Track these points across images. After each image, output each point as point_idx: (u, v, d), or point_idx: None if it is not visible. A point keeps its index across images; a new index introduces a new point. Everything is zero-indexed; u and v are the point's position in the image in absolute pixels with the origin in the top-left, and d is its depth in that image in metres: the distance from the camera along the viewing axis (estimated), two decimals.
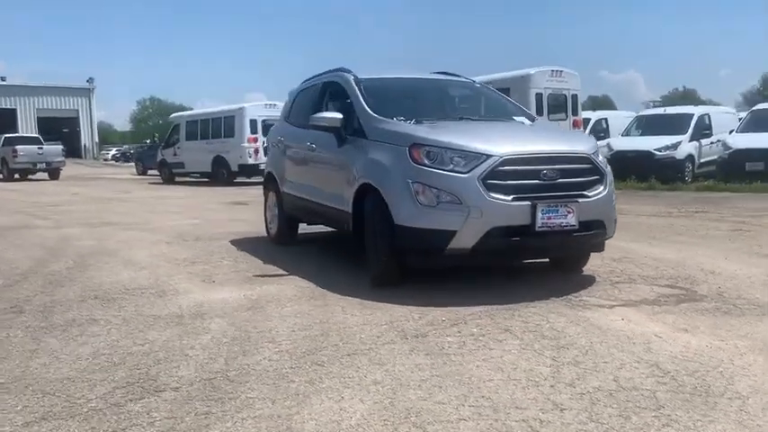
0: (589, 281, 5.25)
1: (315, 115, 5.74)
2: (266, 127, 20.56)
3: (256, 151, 20.53)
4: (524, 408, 2.82)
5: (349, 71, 6.30)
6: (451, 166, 4.60)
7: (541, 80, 15.36)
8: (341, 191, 5.60)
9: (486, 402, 2.88)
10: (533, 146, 4.84)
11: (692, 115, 16.69)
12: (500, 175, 4.55)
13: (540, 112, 14.25)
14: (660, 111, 18.86)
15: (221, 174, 21.33)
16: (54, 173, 26.26)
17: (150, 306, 4.73)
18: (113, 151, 55.82)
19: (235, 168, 20.90)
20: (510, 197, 4.54)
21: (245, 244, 7.51)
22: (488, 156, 4.57)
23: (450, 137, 4.82)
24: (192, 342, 3.84)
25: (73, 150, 41.71)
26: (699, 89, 73.68)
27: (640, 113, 19.92)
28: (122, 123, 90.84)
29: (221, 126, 21.36)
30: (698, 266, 5.71)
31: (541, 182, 4.64)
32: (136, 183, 24.29)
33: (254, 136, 20.58)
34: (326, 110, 6.35)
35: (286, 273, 5.76)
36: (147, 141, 35.53)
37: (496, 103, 6.33)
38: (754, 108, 16.52)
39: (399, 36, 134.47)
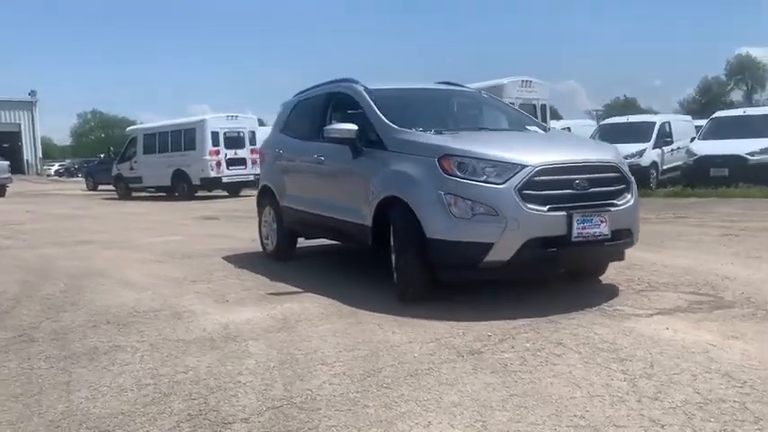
0: (612, 290, 5.23)
1: (329, 127, 5.58)
2: (228, 139, 20.25)
3: (218, 164, 20.14)
4: (624, 426, 2.74)
5: (356, 81, 6.17)
6: (485, 176, 4.52)
7: (513, 90, 15.48)
8: (357, 204, 5.45)
9: (582, 422, 2.78)
10: (564, 155, 4.80)
11: (653, 123, 17.14)
12: (535, 186, 4.49)
13: None
14: (623, 119, 19.26)
15: (182, 188, 20.80)
16: (1, 190, 25.14)
17: (172, 330, 4.48)
18: (56, 166, 54.06)
19: (196, 182, 20.42)
20: (545, 207, 4.48)
21: (241, 260, 7.26)
22: (523, 166, 4.50)
23: (479, 147, 4.74)
24: (238, 367, 3.63)
25: (15, 166, 40.05)
26: (638, 98, 76.06)
27: (603, 122, 20.35)
28: (62, 138, 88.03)
29: (181, 139, 20.85)
30: (710, 272, 5.76)
31: (574, 191, 4.60)
32: (89, 198, 23.48)
33: (216, 149, 20.18)
34: (331, 121, 6.21)
35: (300, 289, 5.56)
36: (101, 155, 34.43)
37: (508, 113, 6.30)
38: (714, 116, 17.04)
39: (347, 45, 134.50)
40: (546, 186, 4.53)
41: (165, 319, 4.79)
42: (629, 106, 66.55)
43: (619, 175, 4.88)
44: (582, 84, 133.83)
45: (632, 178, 5.02)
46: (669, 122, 17.58)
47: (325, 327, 4.39)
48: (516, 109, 6.51)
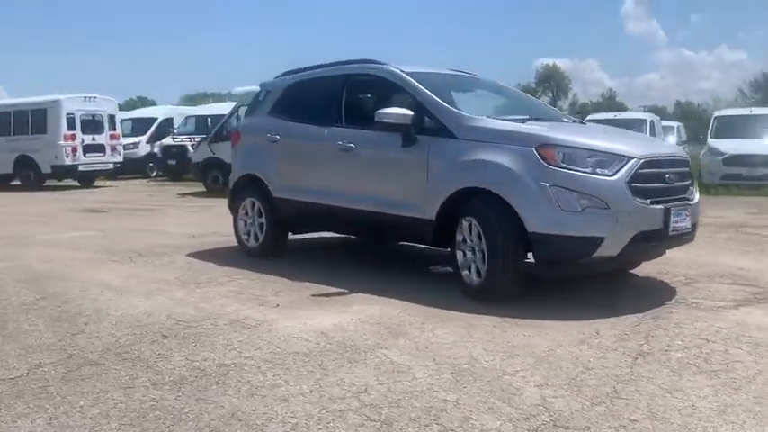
0: (659, 284, 5.27)
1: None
2: (85, 123, 18.24)
3: (74, 150, 18.03)
4: None
5: (383, 62, 5.69)
6: (590, 168, 4.32)
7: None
8: (409, 196, 5.02)
9: None
10: (655, 149, 4.75)
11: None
12: (640, 178, 4.38)
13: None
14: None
15: (26, 176, 18.36)
16: None
17: (261, 341, 3.79)
18: None
19: (46, 170, 18.07)
20: (648, 201, 4.39)
21: (218, 258, 6.44)
22: (629, 158, 4.37)
23: (576, 137, 4.55)
24: (418, 384, 3.10)
25: None
26: None
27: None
28: None
29: (28, 120, 18.32)
30: (733, 266, 5.87)
31: (666, 185, 4.57)
32: None
33: (72, 133, 18.03)
34: (345, 104, 5.71)
35: (343, 290, 5.00)
36: None
37: (538, 105, 6.13)
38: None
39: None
40: (647, 179, 4.44)
41: (230, 328, 4.06)
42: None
43: (689, 169, 4.93)
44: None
45: None
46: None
47: (442, 332, 3.94)
48: (536, 99, 6.33)
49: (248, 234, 6.57)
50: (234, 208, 6.75)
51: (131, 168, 21.33)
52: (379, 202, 5.27)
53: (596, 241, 4.26)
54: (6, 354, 3.61)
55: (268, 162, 6.31)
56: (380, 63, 5.70)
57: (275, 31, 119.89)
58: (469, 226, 4.67)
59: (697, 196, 4.94)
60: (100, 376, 3.26)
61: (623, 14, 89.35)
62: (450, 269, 5.82)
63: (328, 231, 6.45)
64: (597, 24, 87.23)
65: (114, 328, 4.10)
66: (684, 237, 4.71)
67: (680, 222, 4.54)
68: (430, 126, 4.97)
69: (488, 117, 4.92)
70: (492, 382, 3.13)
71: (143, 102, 62.73)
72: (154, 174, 22.37)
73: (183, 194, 15.67)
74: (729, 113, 16.89)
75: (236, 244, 7.19)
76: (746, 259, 6.25)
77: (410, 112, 4.97)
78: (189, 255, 6.75)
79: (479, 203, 4.56)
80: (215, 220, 9.69)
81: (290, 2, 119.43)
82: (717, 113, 16.78)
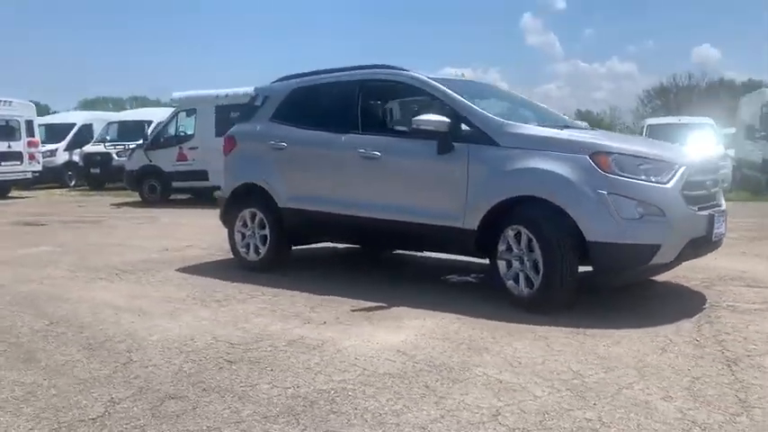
0: (680, 288, 5.37)
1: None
2: None
3: None
4: None
5: (403, 68, 5.55)
6: (645, 175, 4.34)
7: None
8: (448, 205, 4.89)
9: None
10: (693, 156, 4.82)
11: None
12: (689, 186, 4.45)
13: None
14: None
15: None
16: None
17: (337, 362, 3.55)
18: None
19: None
20: (696, 207, 4.46)
21: (216, 273, 6.10)
22: (680, 165, 4.43)
23: (624, 144, 4.57)
24: (549, 405, 2.98)
25: None
26: None
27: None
28: None
29: None
30: (734, 269, 6.01)
31: (706, 192, 4.66)
32: None
33: None
34: (363, 110, 5.53)
35: (382, 304, 4.79)
36: None
37: (551, 112, 6.11)
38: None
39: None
40: (694, 186, 4.51)
41: (293, 349, 3.79)
42: None
43: (717, 176, 5.05)
44: None
45: None
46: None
47: (520, 345, 3.82)
48: (545, 106, 6.33)
49: (247, 247, 6.22)
50: (229, 220, 6.38)
51: (48, 177, 19.95)
52: (411, 212, 5.10)
53: (654, 249, 4.27)
54: (65, 391, 3.20)
55: (272, 171, 6.00)
56: (400, 68, 5.54)
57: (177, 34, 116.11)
58: (516, 235, 4.58)
59: (724, 202, 5.06)
60: (194, 411, 2.93)
61: (523, 27, 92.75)
62: (470, 279, 5.77)
63: (344, 242, 6.22)
64: (499, 36, 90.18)
65: (164, 355, 3.72)
66: (720, 242, 4.82)
67: (719, 228, 4.64)
68: (467, 133, 4.86)
69: (526, 124, 4.85)
70: (617, 397, 3.04)
71: (39, 108, 59.16)
72: (73, 183, 21.07)
73: (118, 205, 14.83)
74: (660, 122, 17.78)
75: (222, 257, 6.87)
76: (741, 262, 6.48)
77: (447, 119, 4.84)
78: (179, 270, 6.34)
79: (532, 212, 4.48)
80: (175, 232, 9.25)
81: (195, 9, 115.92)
82: (649, 121, 17.71)
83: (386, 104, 5.58)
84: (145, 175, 14.97)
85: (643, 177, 4.33)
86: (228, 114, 14.22)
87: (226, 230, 6.41)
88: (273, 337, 4.02)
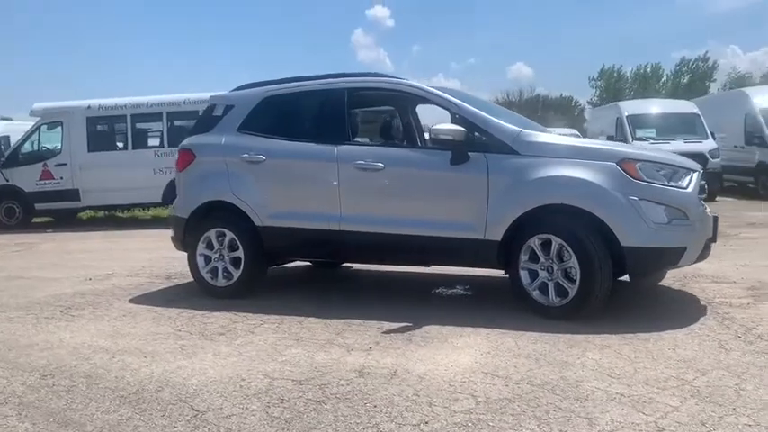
0: (662, 288, 5.65)
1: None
2: None
3: None
4: None
5: (393, 76, 5.35)
6: (666, 181, 4.50)
7: None
8: (466, 215, 4.75)
9: None
10: (692, 161, 5.06)
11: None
12: (701, 190, 4.68)
13: None
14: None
15: None
16: None
17: (432, 393, 3.27)
18: None
19: None
20: (707, 210, 4.71)
21: (181, 302, 5.51)
22: (692, 170, 4.64)
23: (644, 152, 4.72)
24: (691, 417, 2.94)
25: None
26: None
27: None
28: None
29: None
30: (694, 267, 6.27)
31: (705, 195, 4.93)
32: None
33: None
34: (354, 121, 5.32)
35: (408, 323, 4.54)
36: None
37: (514, 115, 6.11)
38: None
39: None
40: (701, 190, 4.74)
41: (371, 381, 3.45)
42: None
43: None
44: None
45: None
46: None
47: (592, 356, 3.75)
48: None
49: (213, 272, 5.64)
50: (189, 243, 5.74)
51: None
52: (422, 224, 4.89)
53: (681, 251, 4.43)
54: None
55: (247, 186, 5.49)
56: (392, 76, 5.33)
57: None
58: (543, 244, 4.55)
59: None
60: None
61: (354, 43, 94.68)
62: (461, 290, 5.67)
63: (339, 260, 5.82)
64: (331, 50, 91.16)
65: (232, 401, 3.23)
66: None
67: (716, 230, 4.92)
68: (482, 142, 4.75)
69: (541, 132, 4.86)
70: (745, 399, 3.07)
71: None
72: None
73: None
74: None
75: (169, 284, 6.27)
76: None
77: (463, 129, 4.71)
78: (134, 302, 5.65)
79: (565, 220, 4.46)
80: (76, 260, 8.32)
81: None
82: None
83: (384, 114, 5.32)
84: (1, 195, 13.24)
85: (666, 183, 4.47)
86: (106, 127, 13.05)
87: (137, 254, 5.76)
88: (334, 370, 3.64)
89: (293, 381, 3.47)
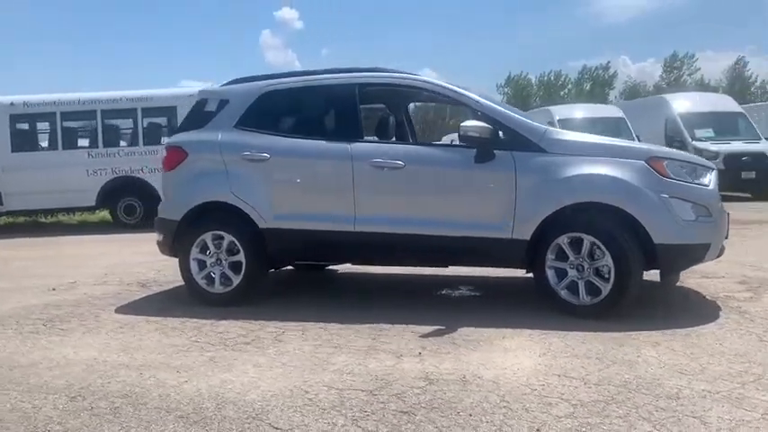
0: (658, 287, 5.77)
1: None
2: None
3: None
4: None
5: (406, 72, 5.20)
6: (690, 178, 4.57)
7: None
8: (492, 214, 4.65)
9: None
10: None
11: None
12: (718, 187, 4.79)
13: None
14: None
15: None
16: None
17: (529, 396, 3.15)
18: None
19: None
20: (723, 207, 4.83)
21: (176, 311, 5.10)
22: (711, 168, 4.75)
23: (669, 150, 4.79)
24: None
25: None
26: None
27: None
28: None
29: None
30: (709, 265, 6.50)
31: None
32: None
33: None
34: (358, 117, 5.12)
35: (441, 327, 4.38)
36: None
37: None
38: None
39: None
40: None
41: (446, 389, 3.28)
42: None
43: None
44: None
45: None
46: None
47: (648, 353, 3.74)
48: None
49: (209, 278, 5.28)
50: (181, 247, 5.35)
51: None
52: (445, 224, 4.75)
53: (706, 248, 4.51)
54: None
55: (249, 186, 5.16)
56: (398, 71, 5.18)
57: None
58: (571, 242, 4.52)
59: None
60: None
61: (262, 44, 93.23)
62: (467, 292, 5.58)
63: (351, 262, 5.54)
64: (238, 51, 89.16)
65: (310, 417, 2.98)
66: None
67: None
68: (507, 140, 4.68)
69: (564, 131, 4.85)
70: None
71: None
72: None
73: None
74: None
75: (148, 293, 5.90)
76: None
77: (490, 126, 4.61)
78: (121, 313, 5.22)
79: (598, 218, 4.45)
80: (20, 269, 7.62)
81: None
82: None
83: (399, 111, 5.14)
84: None
85: (691, 181, 4.54)
86: (32, 125, 12.11)
87: (86, 261, 5.36)
88: (398, 378, 3.44)
89: (362, 391, 3.25)
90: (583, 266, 4.50)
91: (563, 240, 4.52)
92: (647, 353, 3.73)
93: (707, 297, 5.15)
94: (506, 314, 4.66)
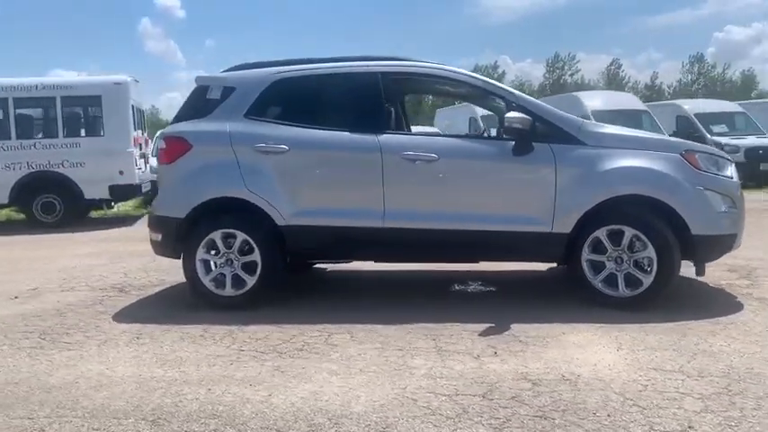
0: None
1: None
2: None
3: None
4: None
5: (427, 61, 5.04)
6: (717, 170, 4.71)
7: None
8: (532, 208, 4.58)
9: None
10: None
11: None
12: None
13: None
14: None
15: None
16: None
17: (651, 393, 3.11)
18: None
19: None
20: None
21: (185, 317, 4.67)
22: (731, 162, 4.92)
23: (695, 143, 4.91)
24: None
25: None
26: None
27: None
28: None
29: None
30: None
31: None
32: None
33: None
34: (383, 108, 4.91)
35: (492, 324, 4.26)
36: None
37: None
38: None
39: None
40: None
41: (570, 390, 3.18)
42: None
43: None
44: None
45: None
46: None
47: (718, 344, 3.78)
48: None
49: (219, 280, 4.88)
50: (186, 247, 4.91)
51: None
52: (481, 219, 4.63)
53: (734, 238, 4.66)
54: None
55: (267, 180, 4.79)
56: (421, 61, 5.01)
57: None
58: (610, 234, 4.53)
59: None
60: None
61: (142, 32, 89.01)
62: (481, 287, 5.52)
63: (380, 259, 5.24)
64: (117, 40, 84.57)
65: (441, 427, 2.78)
66: None
67: None
68: (545, 133, 4.62)
69: (599, 123, 4.86)
70: None
71: None
72: None
73: None
74: None
75: (127, 299, 5.44)
76: None
77: (530, 117, 4.54)
78: (123, 322, 4.73)
79: (640, 211, 4.47)
80: None
81: None
82: None
83: (394, 102, 4.96)
84: None
85: (719, 173, 4.67)
86: None
87: (30, 264, 4.90)
88: (497, 380, 3.29)
89: (473, 396, 3.08)
90: (622, 258, 4.51)
91: (602, 233, 4.52)
92: (716, 342, 3.79)
93: (711, 285, 5.31)
94: (539, 308, 4.61)
